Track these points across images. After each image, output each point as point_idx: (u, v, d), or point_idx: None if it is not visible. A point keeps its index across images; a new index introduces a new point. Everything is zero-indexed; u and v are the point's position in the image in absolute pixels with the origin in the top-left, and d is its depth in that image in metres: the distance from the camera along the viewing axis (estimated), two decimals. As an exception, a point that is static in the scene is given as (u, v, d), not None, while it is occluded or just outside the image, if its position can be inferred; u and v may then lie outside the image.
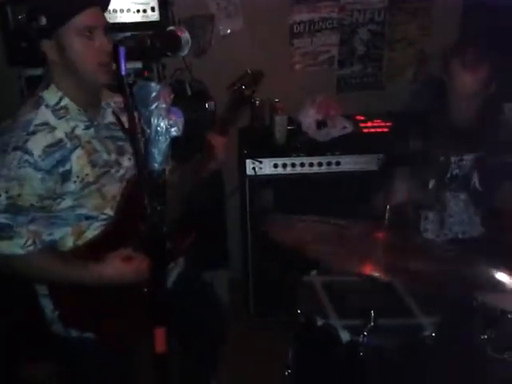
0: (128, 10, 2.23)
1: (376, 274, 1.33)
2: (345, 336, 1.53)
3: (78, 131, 1.52)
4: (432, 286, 1.41)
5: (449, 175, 2.01)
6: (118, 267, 1.51)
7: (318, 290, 1.75)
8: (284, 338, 1.85)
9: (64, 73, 1.49)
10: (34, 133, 1.43)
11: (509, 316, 1.55)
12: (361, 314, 1.53)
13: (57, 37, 1.42)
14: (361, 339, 1.50)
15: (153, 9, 2.29)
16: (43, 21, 1.39)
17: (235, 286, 2.92)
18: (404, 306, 1.67)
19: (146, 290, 1.57)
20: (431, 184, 1.98)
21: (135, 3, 2.23)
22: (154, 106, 0.93)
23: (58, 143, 1.46)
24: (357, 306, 1.59)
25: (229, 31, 2.79)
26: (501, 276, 1.42)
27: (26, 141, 1.41)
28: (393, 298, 1.69)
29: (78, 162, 1.49)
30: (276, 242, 1.47)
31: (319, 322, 1.59)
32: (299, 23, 2.86)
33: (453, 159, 1.99)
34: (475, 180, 2.01)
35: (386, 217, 1.47)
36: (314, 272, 1.83)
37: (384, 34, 2.93)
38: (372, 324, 1.49)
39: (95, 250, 1.55)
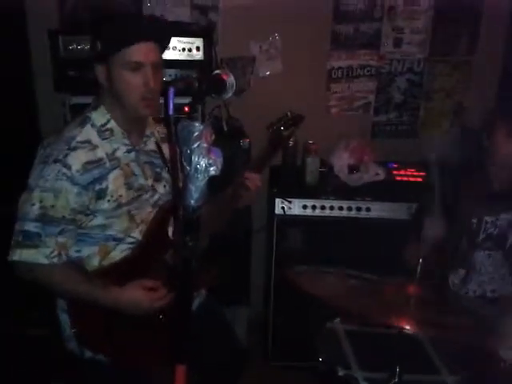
0: (174, 48, 2.31)
1: (405, 326, 1.29)
2: (366, 389, 1.49)
3: (119, 153, 1.57)
4: (462, 340, 1.37)
5: (484, 235, 1.96)
6: (137, 296, 1.51)
7: (341, 338, 1.72)
8: (302, 384, 1.81)
9: (111, 97, 1.55)
10: (75, 148, 1.48)
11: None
12: (384, 368, 1.49)
13: (108, 64, 1.49)
14: (383, 394, 1.45)
15: (198, 48, 2.36)
16: (99, 46, 1.47)
17: (255, 326, 2.87)
18: (429, 362, 1.62)
19: (161, 317, 1.57)
20: (463, 243, 1.95)
21: (182, 42, 2.31)
22: (195, 145, 0.95)
23: (98, 161, 1.51)
24: (380, 359, 1.54)
25: (268, 73, 2.85)
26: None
27: (67, 155, 1.46)
28: (418, 353, 1.64)
29: (114, 182, 1.54)
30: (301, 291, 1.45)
31: (340, 373, 1.55)
32: (337, 69, 2.91)
33: (489, 219, 1.95)
34: (511, 237, 1.97)
35: (418, 270, 1.44)
36: (337, 319, 1.79)
37: (422, 84, 2.95)
38: (396, 380, 1.45)
39: (119, 272, 1.56)
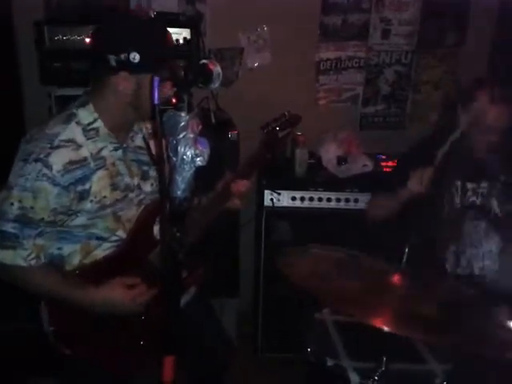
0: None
1: (386, 329, 1.29)
2: (354, 379, 1.50)
3: (105, 152, 1.52)
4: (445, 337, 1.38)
5: (467, 203, 1.97)
6: (116, 294, 1.50)
7: (330, 328, 1.73)
8: (291, 375, 1.82)
9: (118, 101, 1.49)
10: (58, 147, 1.42)
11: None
12: (372, 357, 1.50)
13: (139, 74, 1.43)
14: (371, 383, 1.46)
15: (185, 39, 2.35)
16: (136, 58, 1.38)
17: (244, 318, 2.88)
18: (416, 352, 1.64)
19: (143, 318, 1.56)
20: (445, 211, 1.95)
21: (169, 32, 2.29)
22: (181, 136, 0.94)
23: (81, 162, 1.46)
24: (369, 348, 1.56)
25: (256, 64, 2.84)
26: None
27: (49, 154, 1.40)
28: (405, 342, 1.65)
29: (98, 182, 1.49)
30: (288, 276, 1.46)
31: (329, 363, 1.56)
32: (326, 60, 2.91)
33: (470, 185, 1.97)
34: (494, 206, 1.99)
35: (404, 258, 1.45)
36: (326, 310, 1.80)
37: (410, 75, 2.96)
38: (383, 368, 1.46)
39: (100, 271, 1.54)
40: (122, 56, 1.39)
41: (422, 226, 1.91)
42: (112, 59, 1.40)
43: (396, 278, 1.48)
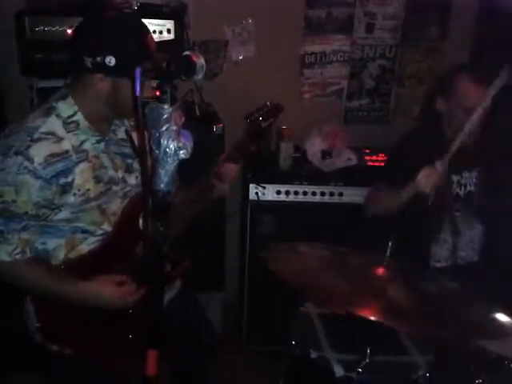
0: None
1: (371, 318, 1.31)
2: (339, 371, 1.51)
3: (87, 145, 1.51)
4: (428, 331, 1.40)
5: (452, 196, 1.98)
6: (107, 291, 1.49)
7: (314, 321, 1.74)
8: (275, 368, 1.83)
9: (96, 99, 1.48)
10: (38, 140, 1.41)
11: (505, 362, 1.52)
12: (356, 349, 1.51)
13: (115, 77, 1.43)
14: (355, 375, 1.48)
15: (169, 31, 2.32)
16: (112, 61, 1.39)
17: (229, 310, 2.88)
18: (400, 344, 1.65)
19: (130, 311, 1.55)
20: (430, 200, 1.92)
21: (152, 24, 2.26)
22: (164, 128, 0.94)
23: (63, 154, 1.45)
24: (353, 341, 1.57)
25: (241, 57, 2.83)
26: (499, 320, 1.41)
27: (29, 147, 1.39)
28: (389, 335, 1.67)
29: (81, 175, 1.48)
30: (274, 272, 1.46)
31: (313, 355, 1.57)
32: (311, 54, 2.90)
33: (455, 178, 1.98)
34: (475, 197, 2.01)
35: (388, 252, 1.46)
36: (310, 303, 1.81)
37: (394, 69, 2.97)
38: (367, 360, 1.47)
39: (86, 265, 1.53)
40: (98, 59, 1.39)
41: (407, 219, 1.92)
42: (88, 61, 1.40)
43: (381, 271, 1.49)
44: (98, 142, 1.54)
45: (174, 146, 0.95)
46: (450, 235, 2.00)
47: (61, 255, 1.53)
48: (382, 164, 2.68)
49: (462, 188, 2.01)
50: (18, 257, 1.44)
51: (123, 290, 1.50)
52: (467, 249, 2.04)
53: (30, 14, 2.25)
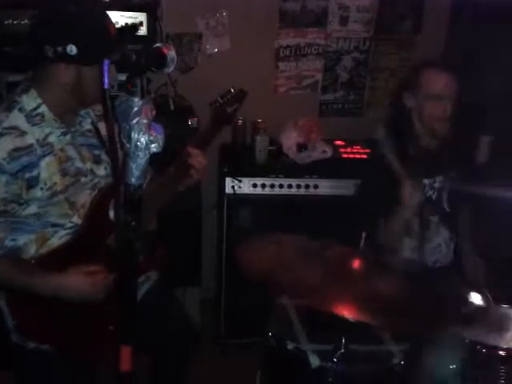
0: (116, 23, 2.22)
1: (346, 315, 1.32)
2: (314, 361, 1.52)
3: (52, 138, 1.50)
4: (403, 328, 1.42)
5: (423, 199, 1.97)
6: (78, 281, 1.48)
7: (291, 313, 1.75)
8: (254, 360, 1.83)
9: (60, 89, 1.48)
10: (1, 135, 1.41)
11: (477, 347, 1.56)
12: (332, 340, 1.53)
13: (78, 66, 1.42)
14: (330, 365, 1.49)
15: (141, 23, 2.30)
16: (73, 50, 1.38)
17: (207, 305, 2.88)
18: (374, 333, 1.67)
19: (105, 301, 1.54)
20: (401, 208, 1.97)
21: (124, 16, 2.23)
22: (134, 121, 0.92)
23: (27, 148, 1.44)
24: (328, 331, 1.58)
25: (216, 50, 2.81)
26: (471, 308, 1.44)
27: None
28: (364, 325, 1.69)
29: (47, 169, 1.48)
30: (248, 267, 1.47)
31: (289, 346, 1.58)
32: (285, 47, 2.90)
33: (427, 181, 2.00)
34: (444, 201, 2.03)
35: (361, 244, 1.48)
36: (286, 295, 1.82)
37: (367, 62, 2.99)
38: (342, 350, 1.49)
39: (58, 259, 1.52)
40: (59, 48, 1.38)
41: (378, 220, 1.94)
42: (49, 50, 1.39)
43: (355, 263, 1.51)
44: (64, 134, 1.53)
45: (145, 140, 0.94)
46: (418, 238, 2.01)
47: (32, 250, 1.52)
48: (357, 156, 2.71)
49: (435, 192, 2.02)
50: None
51: (94, 279, 1.49)
52: (437, 253, 2.07)
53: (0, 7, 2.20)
